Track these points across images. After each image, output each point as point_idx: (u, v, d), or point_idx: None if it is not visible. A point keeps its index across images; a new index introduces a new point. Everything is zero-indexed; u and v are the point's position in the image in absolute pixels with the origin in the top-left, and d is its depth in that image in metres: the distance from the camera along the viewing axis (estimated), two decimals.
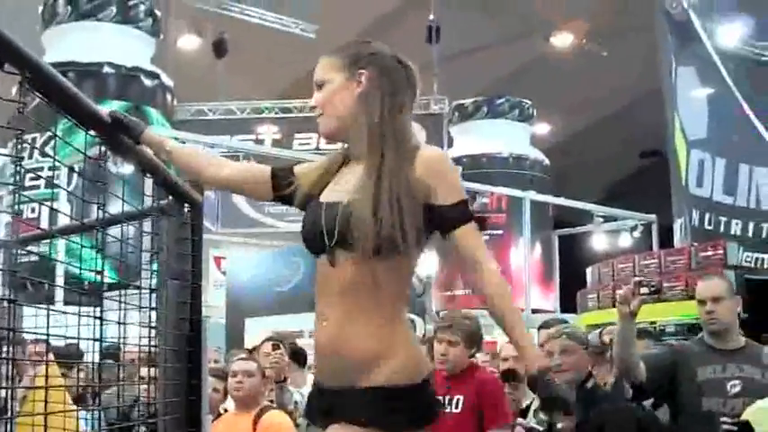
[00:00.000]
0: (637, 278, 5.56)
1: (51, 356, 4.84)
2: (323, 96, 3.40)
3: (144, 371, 4.31)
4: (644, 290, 5.27)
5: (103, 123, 3.40)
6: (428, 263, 19.35)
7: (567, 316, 12.10)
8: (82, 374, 6.30)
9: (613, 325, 6.54)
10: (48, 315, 3.10)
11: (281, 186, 3.60)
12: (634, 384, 5.60)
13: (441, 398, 6.46)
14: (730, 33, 17.26)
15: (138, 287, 3.95)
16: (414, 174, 3.23)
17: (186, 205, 4.14)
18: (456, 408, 6.36)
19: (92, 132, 3.33)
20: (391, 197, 3.18)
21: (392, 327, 3.26)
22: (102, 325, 3.33)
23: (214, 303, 16.28)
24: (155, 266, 4.18)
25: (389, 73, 3.40)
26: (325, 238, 3.26)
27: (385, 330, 3.24)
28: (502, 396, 6.48)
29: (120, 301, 3.58)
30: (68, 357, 5.84)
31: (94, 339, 3.30)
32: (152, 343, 3.90)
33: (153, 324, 3.92)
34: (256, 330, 12.93)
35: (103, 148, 3.51)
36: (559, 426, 5.75)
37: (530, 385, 5.92)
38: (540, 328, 7.44)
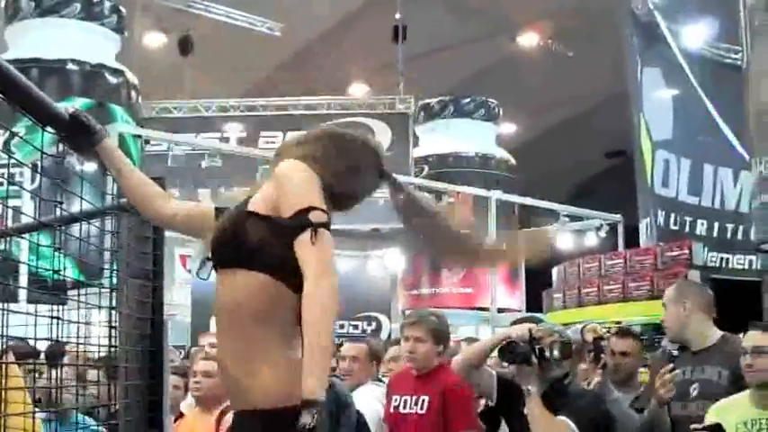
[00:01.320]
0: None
1: (11, 356, 4.78)
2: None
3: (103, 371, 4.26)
4: None
5: (62, 121, 3.33)
6: (394, 262, 19.39)
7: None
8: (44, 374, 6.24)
9: (590, 323, 6.59)
10: (4, 314, 3.05)
11: None
12: None
13: (407, 397, 6.45)
14: (695, 35, 17.32)
15: (99, 286, 3.90)
16: (269, 189, 3.30)
17: None
18: (421, 408, 6.32)
19: (49, 130, 3.27)
20: (232, 214, 3.32)
21: (255, 348, 3.22)
22: (59, 324, 3.28)
23: (179, 302, 16.22)
24: (115, 265, 4.14)
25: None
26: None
27: (248, 352, 3.23)
28: (468, 400, 6.41)
29: (78, 301, 3.54)
30: (29, 357, 5.78)
31: (53, 340, 3.25)
32: (112, 343, 3.85)
33: (113, 324, 3.88)
34: None
35: (62, 147, 3.46)
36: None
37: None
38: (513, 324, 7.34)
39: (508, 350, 5.79)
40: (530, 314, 8.88)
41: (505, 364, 6.01)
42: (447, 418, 6.25)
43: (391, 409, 6.47)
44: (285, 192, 3.23)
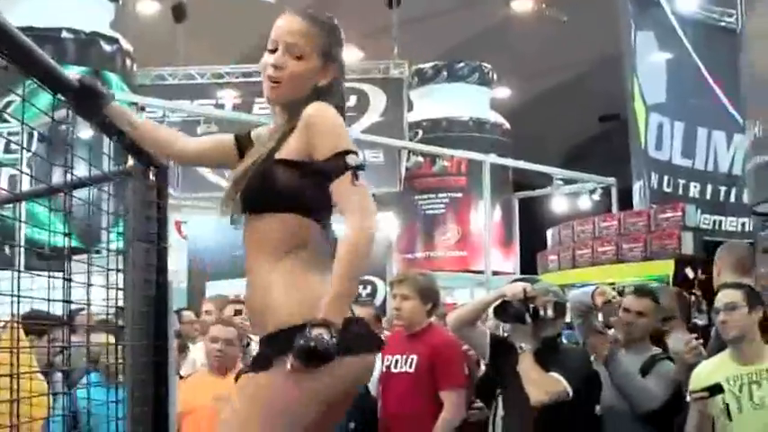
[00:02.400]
0: None
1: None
2: (297, 70, 3.48)
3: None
4: None
5: (72, 88, 3.41)
6: (389, 226, 19.45)
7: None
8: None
9: (592, 285, 6.57)
10: (12, 279, 3.11)
11: (245, 151, 3.69)
12: None
13: (398, 356, 6.53)
14: None
15: (106, 250, 3.98)
16: (297, 133, 3.38)
17: (152, 168, 4.16)
18: (410, 367, 6.41)
19: (60, 96, 3.34)
20: (257, 161, 3.42)
21: (276, 275, 3.34)
22: (70, 287, 3.36)
23: (174, 267, 16.20)
24: (120, 229, 4.21)
25: (343, 72, 3.58)
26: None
27: (270, 278, 3.34)
28: (457, 358, 6.48)
29: (88, 263, 3.61)
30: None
31: (64, 301, 3.33)
32: (119, 305, 3.93)
33: (120, 286, 3.95)
34: (217, 294, 12.95)
35: (70, 112, 3.52)
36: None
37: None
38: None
39: (503, 309, 5.88)
40: (527, 276, 8.88)
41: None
42: (435, 376, 6.34)
43: (383, 369, 6.57)
44: (318, 134, 3.32)
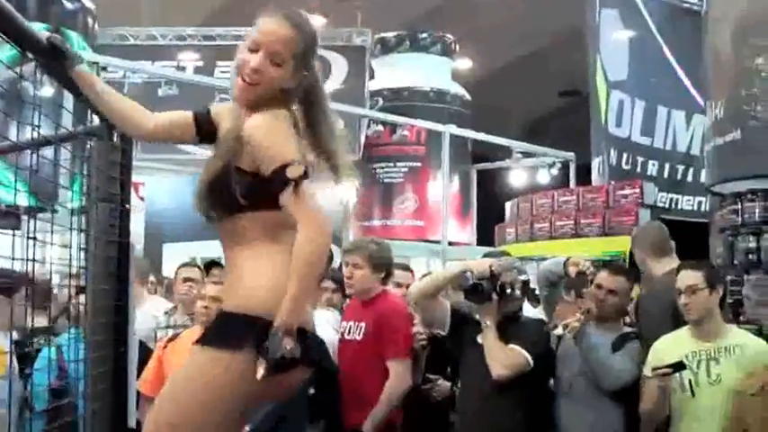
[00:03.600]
0: None
1: None
2: (274, 76, 3.52)
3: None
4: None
5: (42, 48, 3.39)
6: (346, 193, 19.46)
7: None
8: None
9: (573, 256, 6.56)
10: None
11: (203, 128, 3.72)
12: None
13: (351, 323, 6.56)
14: None
15: (69, 210, 3.96)
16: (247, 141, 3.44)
17: (116, 129, 4.14)
18: (359, 334, 6.44)
19: (29, 54, 3.31)
20: (218, 169, 3.50)
21: (250, 261, 3.46)
22: (34, 246, 3.35)
23: (132, 229, 16.09)
24: (82, 189, 4.20)
25: (318, 80, 3.68)
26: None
27: (244, 264, 3.47)
28: (402, 326, 6.48)
29: (51, 223, 3.60)
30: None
31: (27, 260, 3.32)
32: (81, 264, 3.93)
33: (82, 246, 3.95)
34: (175, 256, 12.92)
35: (37, 70, 3.50)
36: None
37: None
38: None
39: (473, 291, 5.90)
40: (495, 249, 8.84)
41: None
42: (381, 345, 6.37)
43: (339, 335, 6.60)
44: (258, 149, 3.39)
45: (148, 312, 7.77)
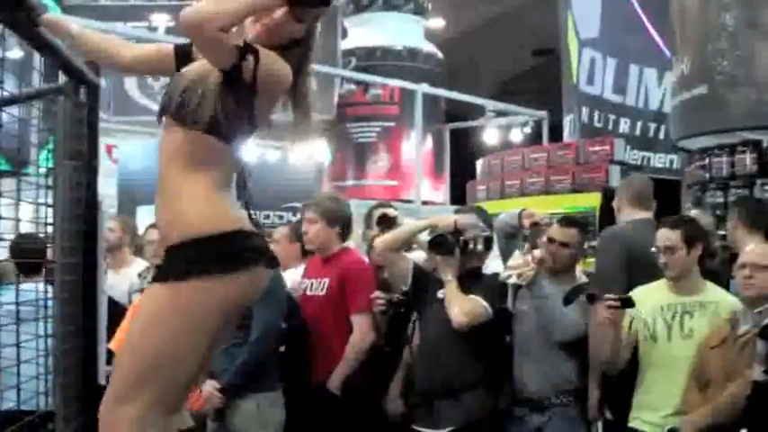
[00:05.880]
0: None
1: None
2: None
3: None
4: None
5: (3, 1, 3.38)
6: (319, 152, 19.41)
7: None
8: None
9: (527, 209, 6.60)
10: None
11: (183, 61, 3.69)
12: None
13: (313, 280, 6.62)
14: None
15: (36, 167, 3.99)
16: None
17: (83, 86, 4.16)
18: (322, 290, 6.52)
19: None
20: (195, 76, 3.41)
21: (187, 187, 3.38)
22: None
23: (104, 192, 16.08)
24: (50, 147, 4.22)
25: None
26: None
27: (182, 190, 3.38)
28: (365, 281, 6.57)
29: (18, 180, 3.63)
30: None
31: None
32: (49, 221, 3.95)
33: (50, 203, 3.97)
34: (149, 218, 12.91)
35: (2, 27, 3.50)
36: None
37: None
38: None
39: (437, 243, 5.97)
40: (465, 206, 8.88)
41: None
42: (344, 299, 6.45)
43: (302, 292, 6.67)
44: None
45: (132, 275, 7.84)
